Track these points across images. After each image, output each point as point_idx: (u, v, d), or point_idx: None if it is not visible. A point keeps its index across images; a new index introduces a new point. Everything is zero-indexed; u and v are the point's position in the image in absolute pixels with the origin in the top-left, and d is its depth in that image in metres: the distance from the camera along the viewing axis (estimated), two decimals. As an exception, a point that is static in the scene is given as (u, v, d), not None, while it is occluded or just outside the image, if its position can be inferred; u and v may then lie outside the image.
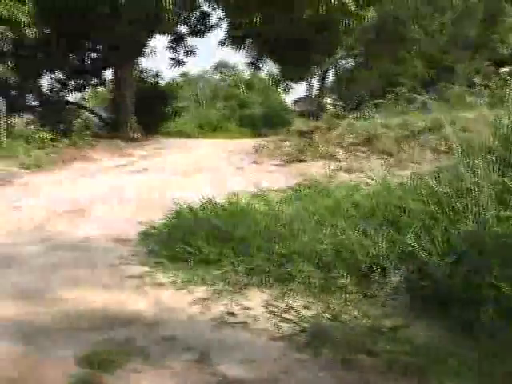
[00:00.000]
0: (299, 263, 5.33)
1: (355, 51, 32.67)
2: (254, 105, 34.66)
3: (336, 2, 16.88)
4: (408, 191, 6.89)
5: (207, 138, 22.54)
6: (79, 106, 23.00)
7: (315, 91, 47.17)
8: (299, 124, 17.85)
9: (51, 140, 14.51)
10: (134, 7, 14.41)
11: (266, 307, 4.78)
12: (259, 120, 29.23)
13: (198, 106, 32.86)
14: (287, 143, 14.56)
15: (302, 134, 15.13)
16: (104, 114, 23.30)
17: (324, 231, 5.90)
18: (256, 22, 17.58)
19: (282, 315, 4.59)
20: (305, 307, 4.72)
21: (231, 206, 7.08)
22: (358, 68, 37.10)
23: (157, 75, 23.53)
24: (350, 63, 38.58)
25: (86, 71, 20.30)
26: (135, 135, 18.48)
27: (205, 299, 4.94)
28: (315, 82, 44.07)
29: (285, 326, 4.35)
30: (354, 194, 7.57)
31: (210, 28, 21.62)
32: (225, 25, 22.04)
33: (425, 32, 32.68)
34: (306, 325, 4.35)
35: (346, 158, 11.21)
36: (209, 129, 26.21)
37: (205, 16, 21.07)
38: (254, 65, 25.53)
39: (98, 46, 20.10)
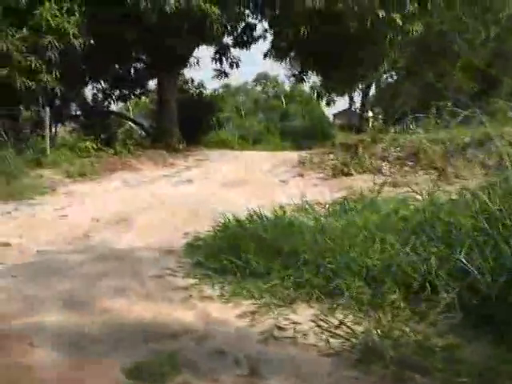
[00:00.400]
0: (348, 278, 5.26)
1: (398, 64, 32.42)
2: (294, 117, 34.58)
3: (383, 16, 16.82)
4: (458, 206, 6.78)
5: (248, 149, 22.56)
6: (122, 115, 23.35)
7: (356, 105, 47.16)
8: (343, 137, 17.74)
9: (95, 149, 14.71)
10: (182, 18, 14.55)
11: (315, 322, 4.72)
12: (300, 133, 29.07)
13: (239, 117, 32.93)
14: (331, 156, 14.51)
15: (346, 147, 15.06)
16: (146, 124, 23.62)
17: (373, 246, 5.83)
18: (302, 34, 17.59)
19: (332, 330, 4.52)
20: (354, 323, 4.65)
21: (277, 219, 7.04)
22: (401, 81, 36.89)
23: (200, 86, 23.70)
24: (392, 77, 38.41)
25: (130, 81, 20.56)
26: (178, 145, 18.62)
27: (253, 313, 4.91)
28: (356, 96, 44.13)
29: (335, 342, 4.28)
30: (401, 209, 7.44)
31: (254, 39, 21.70)
32: (269, 36, 22.13)
33: (469, 45, 32.26)
34: (356, 341, 4.28)
35: (392, 172, 11.08)
36: (250, 140, 26.21)
37: (250, 27, 21.17)
38: (298, 77, 25.46)
39: (142, 56, 20.35)
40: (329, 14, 17.24)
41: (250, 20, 21.07)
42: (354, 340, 4.30)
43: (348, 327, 4.50)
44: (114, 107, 23.30)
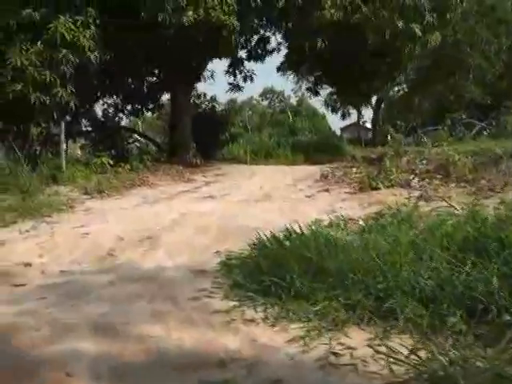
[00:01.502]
0: (401, 299, 4.95)
1: (410, 76, 32.32)
2: (302, 131, 34.45)
3: (402, 27, 16.62)
4: (504, 221, 6.50)
5: (260, 164, 22.27)
6: (133, 130, 23.15)
7: (364, 118, 47.20)
8: (361, 151, 17.51)
9: (111, 165, 14.46)
10: (198, 30, 14.34)
11: (372, 347, 4.40)
12: (311, 147, 28.79)
13: (246, 132, 32.77)
14: (354, 170, 14.25)
15: (368, 160, 14.84)
16: (157, 140, 23.45)
17: (422, 264, 5.52)
18: (319, 46, 17.39)
19: (393, 356, 4.20)
20: (414, 348, 4.33)
21: (316, 236, 6.72)
22: (412, 94, 36.73)
23: (213, 100, 23.51)
24: (404, 89, 38.29)
25: (142, 95, 20.32)
26: (195, 161, 18.37)
27: (302, 337, 4.60)
28: (364, 109, 44.15)
29: (398, 369, 3.96)
30: (443, 224, 7.12)
31: (268, 52, 21.51)
32: (283, 49, 21.95)
33: (483, 57, 32.07)
34: (422, 368, 3.96)
35: (422, 186, 10.77)
36: (261, 155, 25.91)
37: (264, 40, 20.97)
38: (312, 90, 25.24)
39: (155, 70, 20.14)
40: (346, 25, 17.02)
41: (264, 33, 20.84)
42: (419, 367, 3.98)
43: (413, 353, 4.18)
44: (124, 123, 23.18)
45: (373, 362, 4.14)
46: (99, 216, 10.12)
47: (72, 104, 13.97)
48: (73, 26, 13.06)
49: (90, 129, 21.56)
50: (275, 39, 21.89)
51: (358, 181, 12.11)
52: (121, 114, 22.03)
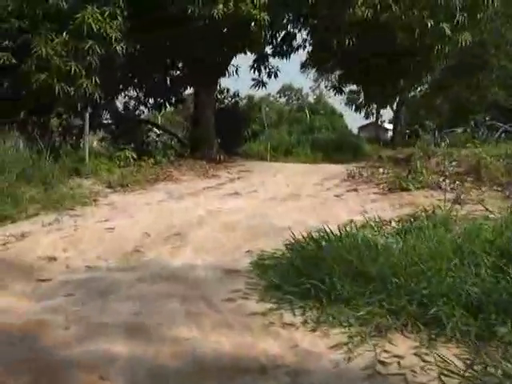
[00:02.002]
0: (446, 306, 4.74)
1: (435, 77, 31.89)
2: (319, 130, 34.23)
3: (432, 25, 16.31)
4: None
5: (280, 161, 22.02)
6: (154, 124, 22.93)
7: (383, 118, 46.96)
8: (387, 151, 17.28)
9: (134, 159, 14.30)
10: (228, 24, 14.13)
11: (419, 356, 4.20)
12: (331, 145, 28.54)
13: (263, 128, 32.50)
14: (380, 170, 14.01)
15: (395, 161, 14.61)
16: (180, 134, 23.29)
17: (465, 270, 5.30)
18: (346, 44, 17.13)
19: (442, 367, 3.99)
20: (464, 358, 4.11)
21: (351, 238, 6.50)
22: (435, 94, 36.35)
23: (236, 95, 23.30)
24: (426, 89, 37.90)
25: (165, 89, 20.11)
26: (218, 156, 18.18)
27: (345, 343, 4.40)
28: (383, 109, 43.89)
29: (450, 381, 3.77)
30: (481, 229, 6.87)
31: (294, 49, 21.24)
32: (308, 47, 21.66)
33: (508, 59, 31.68)
34: (476, 381, 3.76)
35: (453, 188, 10.51)
36: (280, 152, 25.67)
37: (290, 36, 20.69)
38: (337, 88, 24.94)
39: (179, 65, 19.95)
40: (375, 24, 16.74)
41: (291, 29, 20.58)
42: (473, 380, 3.78)
43: (470, 367, 3.96)
44: (143, 116, 22.98)
45: (422, 372, 3.95)
46: (123, 211, 9.96)
47: (96, 95, 13.80)
48: (100, 17, 12.88)
49: (110, 121, 21.35)
50: (300, 36, 21.50)
51: (387, 181, 11.85)
52: (142, 108, 21.83)
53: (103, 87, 13.90)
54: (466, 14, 16.69)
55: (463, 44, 17.31)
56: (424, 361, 4.12)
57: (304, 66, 24.50)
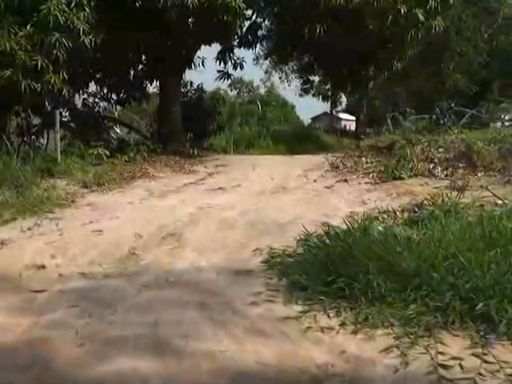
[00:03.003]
0: (492, 301, 4.42)
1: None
2: (272, 121, 34.15)
3: (405, 11, 16.07)
4: None
5: (244, 154, 21.71)
6: (117, 120, 22.22)
7: (339, 107, 47.19)
8: (370, 140, 17.09)
9: (107, 156, 13.68)
10: (199, 13, 13.54)
11: (478, 357, 3.87)
12: (290, 137, 28.53)
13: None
14: (364, 159, 13.73)
15: (377, 149, 14.38)
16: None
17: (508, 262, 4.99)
18: (317, 32, 16.72)
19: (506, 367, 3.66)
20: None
21: (366, 230, 6.14)
22: (394, 81, 36.35)
23: (199, 89, 22.72)
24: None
25: (131, 84, 19.35)
26: (192, 151, 17.65)
27: (395, 346, 4.04)
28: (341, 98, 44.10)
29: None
30: (499, 217, 6.58)
31: (259, 39, 20.81)
32: (274, 36, 21.20)
33: (472, 45, 31.89)
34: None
35: (446, 175, 10.27)
36: (242, 145, 25.37)
37: (256, 26, 20.21)
38: (304, 78, 24.65)
39: (144, 57, 19.21)
40: (345, 10, 16.40)
41: (256, 19, 20.10)
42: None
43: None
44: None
45: (490, 375, 3.63)
46: (106, 211, 9.39)
47: (65, 91, 13.12)
48: (66, 8, 12.19)
49: (69, 119, 20.45)
50: (265, 26, 21.10)
51: (375, 170, 11.57)
52: (101, 104, 21.04)
53: (71, 82, 13.21)
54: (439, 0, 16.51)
55: (436, 29, 17.15)
56: (486, 362, 3.80)
57: (266, 56, 24.10)
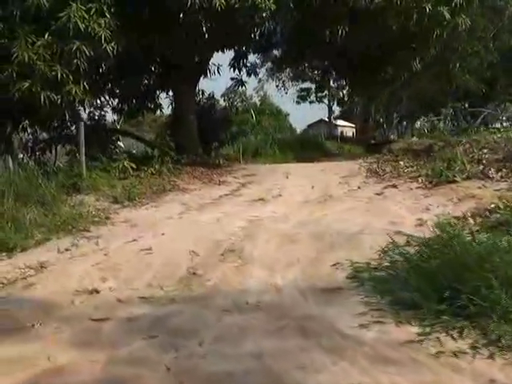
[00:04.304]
0: None
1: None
2: (266, 130, 34.14)
3: (429, 10, 15.58)
4: None
5: (254, 163, 21.27)
6: (126, 133, 21.66)
7: (335, 114, 47.19)
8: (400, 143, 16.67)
9: (133, 169, 13.15)
10: (225, 16, 12.98)
11: None
12: (294, 145, 28.45)
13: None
14: (402, 163, 13.24)
15: (414, 153, 13.93)
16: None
17: None
18: (339, 34, 16.14)
19: None
20: None
21: (459, 239, 5.63)
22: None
23: (211, 97, 22.20)
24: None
25: (144, 93, 18.72)
26: (219, 161, 17.15)
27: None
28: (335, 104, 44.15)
29: None
30: None
31: (273, 45, 20.33)
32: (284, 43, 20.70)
33: (482, 45, 31.53)
34: None
35: (501, 177, 9.79)
36: (249, 154, 25.03)
37: (269, 31, 19.59)
38: (319, 82, 24.21)
39: (155, 66, 18.64)
40: (366, 11, 15.89)
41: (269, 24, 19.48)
42: None
43: None
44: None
45: None
46: (146, 227, 8.87)
47: (86, 102, 12.61)
48: (86, 15, 11.68)
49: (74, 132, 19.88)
50: (278, 30, 20.53)
51: (421, 174, 11.08)
52: (108, 117, 20.47)
53: (92, 93, 12.70)
54: (462, -4, 16.05)
55: (463, 28, 16.70)
56: None
57: (275, 62, 23.66)
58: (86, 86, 12.24)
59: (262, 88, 44.44)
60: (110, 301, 5.73)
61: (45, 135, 18.37)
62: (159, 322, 5.02)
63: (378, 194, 10.07)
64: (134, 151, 21.36)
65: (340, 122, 51.80)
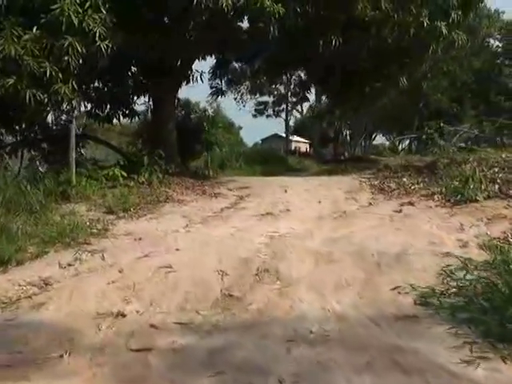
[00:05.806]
0: None
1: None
2: (223, 143, 34.15)
3: (428, 24, 15.44)
4: None
5: (223, 175, 20.81)
6: (98, 140, 20.72)
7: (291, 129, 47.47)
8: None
9: (123, 177, 12.44)
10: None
11: None
12: (258, 158, 29.03)
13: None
14: (405, 180, 12.93)
15: (416, 169, 13.67)
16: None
17: None
18: (329, 45, 15.71)
19: None
20: None
21: None
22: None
23: (187, 105, 21.54)
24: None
25: (116, 99, 17.83)
26: (208, 172, 16.58)
27: None
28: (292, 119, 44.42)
29: None
30: None
31: (260, 53, 19.83)
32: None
33: (457, 63, 31.88)
34: None
35: (526, 196, 9.56)
36: (215, 166, 24.64)
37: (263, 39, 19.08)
38: (300, 95, 23.96)
39: (137, 70, 17.84)
40: (359, 23, 15.60)
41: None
42: None
43: None
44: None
45: None
46: (154, 241, 8.23)
47: (75, 103, 11.87)
48: (80, 9, 10.98)
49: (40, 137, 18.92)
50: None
51: (435, 191, 10.75)
52: (74, 121, 19.47)
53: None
54: (460, 12, 15.96)
55: (459, 43, 16.61)
56: None
57: (257, 71, 23.23)
58: (75, 86, 11.48)
59: (215, 100, 44.35)
60: (142, 327, 5.18)
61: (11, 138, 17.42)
62: (218, 354, 4.49)
63: (397, 212, 9.66)
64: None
65: (294, 138, 52.21)
